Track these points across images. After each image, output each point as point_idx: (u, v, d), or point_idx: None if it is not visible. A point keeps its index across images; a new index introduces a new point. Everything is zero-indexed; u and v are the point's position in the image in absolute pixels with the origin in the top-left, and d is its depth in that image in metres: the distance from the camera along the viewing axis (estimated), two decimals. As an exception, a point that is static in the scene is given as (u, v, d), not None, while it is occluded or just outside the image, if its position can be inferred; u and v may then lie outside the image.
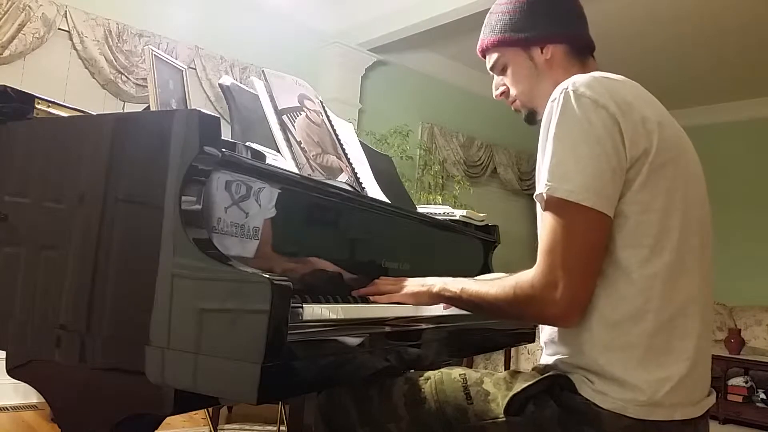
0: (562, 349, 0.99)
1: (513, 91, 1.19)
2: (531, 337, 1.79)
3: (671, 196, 0.94)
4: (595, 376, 0.93)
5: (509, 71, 1.18)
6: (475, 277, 1.39)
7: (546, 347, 1.05)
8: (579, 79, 0.96)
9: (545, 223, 0.94)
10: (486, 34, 1.20)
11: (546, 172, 0.93)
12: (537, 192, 0.96)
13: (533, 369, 1.05)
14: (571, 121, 0.93)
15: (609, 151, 0.91)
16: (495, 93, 1.22)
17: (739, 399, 4.14)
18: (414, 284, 1.17)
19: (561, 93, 0.95)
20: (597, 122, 0.91)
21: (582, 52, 1.15)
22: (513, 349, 4.16)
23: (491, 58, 1.21)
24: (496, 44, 1.18)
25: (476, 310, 1.10)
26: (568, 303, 0.91)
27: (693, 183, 0.99)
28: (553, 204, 0.93)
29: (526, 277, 0.95)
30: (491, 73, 1.23)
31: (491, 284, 1.02)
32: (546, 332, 1.05)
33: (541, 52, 1.14)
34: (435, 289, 1.13)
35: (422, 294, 1.15)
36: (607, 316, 0.93)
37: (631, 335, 0.91)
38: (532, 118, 1.18)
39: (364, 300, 1.17)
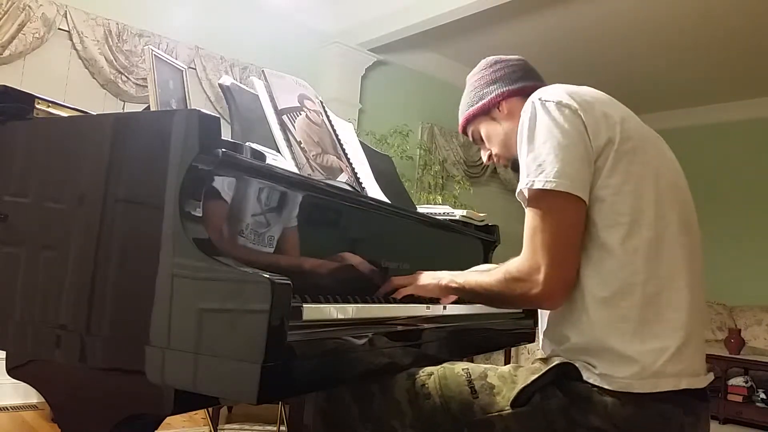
0: (563, 334, 1.03)
1: (494, 151, 1.33)
2: (531, 337, 1.79)
3: (642, 178, 1.02)
4: (597, 358, 0.97)
5: (485, 138, 1.33)
6: (475, 267, 1.43)
7: (544, 336, 1.10)
8: (542, 90, 1.09)
9: (527, 215, 1.04)
10: (460, 119, 1.37)
11: (523, 172, 1.04)
12: (517, 191, 1.07)
13: (535, 362, 1.06)
14: (538, 122, 1.04)
15: (576, 141, 1.01)
16: (484, 161, 1.37)
17: (739, 399, 4.13)
18: (426, 277, 1.26)
19: (529, 105, 1.07)
20: (561, 119, 1.02)
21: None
22: (513, 349, 4.16)
23: (469, 134, 1.37)
24: (466, 122, 1.35)
25: (478, 299, 1.19)
26: (551, 283, 0.99)
27: (665, 167, 1.07)
28: (532, 196, 1.03)
29: (514, 263, 1.05)
30: (476, 146, 1.39)
31: (488, 274, 1.12)
32: (545, 320, 1.10)
33: (499, 111, 1.28)
34: (444, 282, 1.22)
35: (433, 286, 1.24)
36: (598, 294, 0.99)
37: (622, 309, 0.98)
38: (516, 165, 1.22)
39: (364, 299, 1.17)
